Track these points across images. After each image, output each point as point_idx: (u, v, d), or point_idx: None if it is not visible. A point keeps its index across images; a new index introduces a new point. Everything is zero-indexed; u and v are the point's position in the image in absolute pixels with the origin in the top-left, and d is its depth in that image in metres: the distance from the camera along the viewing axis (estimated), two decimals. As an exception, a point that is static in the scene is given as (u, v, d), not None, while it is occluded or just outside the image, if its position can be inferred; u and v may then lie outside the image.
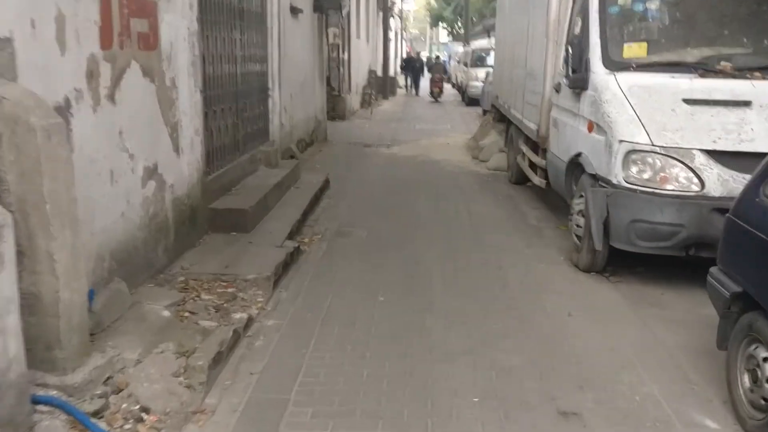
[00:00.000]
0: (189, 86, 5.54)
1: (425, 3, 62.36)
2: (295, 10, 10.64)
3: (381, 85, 25.87)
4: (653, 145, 4.77)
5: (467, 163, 11.20)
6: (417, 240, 6.49)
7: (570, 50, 5.65)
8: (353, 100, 19.38)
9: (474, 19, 38.87)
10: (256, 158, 7.93)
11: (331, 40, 17.40)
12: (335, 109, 17.68)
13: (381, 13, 27.60)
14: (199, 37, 5.84)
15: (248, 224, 6.15)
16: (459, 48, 34.52)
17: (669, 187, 4.75)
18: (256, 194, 6.69)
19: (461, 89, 26.83)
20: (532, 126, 7.35)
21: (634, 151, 4.84)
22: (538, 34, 7.17)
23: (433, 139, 14.29)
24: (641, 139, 4.81)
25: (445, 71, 29.70)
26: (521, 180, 8.98)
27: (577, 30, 5.90)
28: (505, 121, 10.11)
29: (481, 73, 22.01)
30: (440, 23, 54.52)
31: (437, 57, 30.70)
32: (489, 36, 34.40)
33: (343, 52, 17.84)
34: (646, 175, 4.82)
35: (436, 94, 25.48)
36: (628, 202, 4.85)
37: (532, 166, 7.68)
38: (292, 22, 10.52)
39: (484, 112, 19.19)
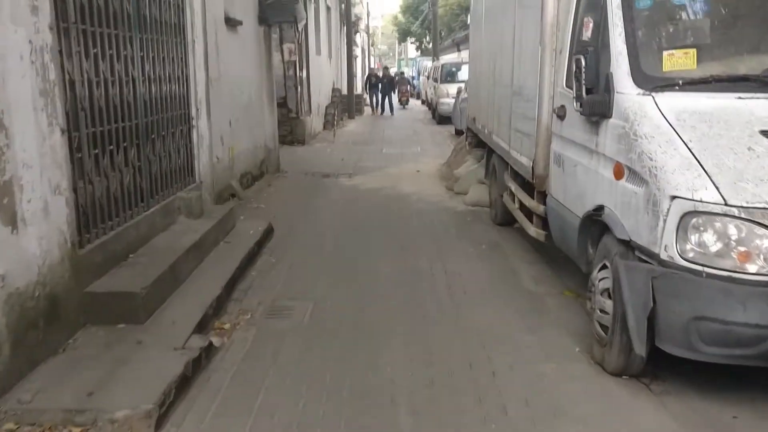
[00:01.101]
0: (37, 126, 3.81)
1: (392, 18, 61.14)
2: (231, 22, 8.96)
3: (346, 104, 24.26)
4: (726, 204, 3.13)
5: (441, 197, 9.54)
6: (377, 322, 4.80)
7: (582, 62, 4.01)
8: (314, 122, 17.71)
9: (443, 33, 37.52)
10: (173, 208, 6.20)
11: (286, 57, 15.79)
12: (293, 132, 16.01)
13: (344, 28, 26.03)
14: (59, 54, 4.12)
15: (141, 312, 4.41)
16: (428, 63, 33.16)
17: (753, 268, 3.12)
18: (160, 264, 4.95)
19: (431, 106, 25.33)
20: (524, 161, 5.73)
21: (696, 212, 3.20)
22: (528, 40, 5.58)
23: (401, 166, 12.65)
24: (707, 194, 3.17)
25: (411, 84, 33.83)
26: (507, 220, 7.37)
27: (588, 34, 4.29)
28: (485, 148, 8.50)
29: (452, 89, 20.54)
30: (408, 38, 53.20)
31: (402, 72, 31.65)
32: (459, 50, 33.28)
33: (301, 69, 16.19)
34: (715, 249, 3.19)
35: (404, 102, 30.38)
36: (688, 289, 3.21)
37: (525, 209, 6.05)
38: (228, 36, 8.83)
39: (457, 131, 17.69)
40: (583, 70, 3.99)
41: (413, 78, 42.51)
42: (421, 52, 48.87)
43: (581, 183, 4.35)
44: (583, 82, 4.02)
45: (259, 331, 4.68)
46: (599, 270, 3.96)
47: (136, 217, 5.34)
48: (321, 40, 20.06)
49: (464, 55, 29.46)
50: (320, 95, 19.36)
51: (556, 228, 5.03)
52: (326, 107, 20.43)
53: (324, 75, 20.75)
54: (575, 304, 5.04)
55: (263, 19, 11.01)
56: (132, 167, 5.36)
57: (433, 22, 32.66)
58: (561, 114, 4.74)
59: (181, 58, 6.65)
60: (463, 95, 16.68)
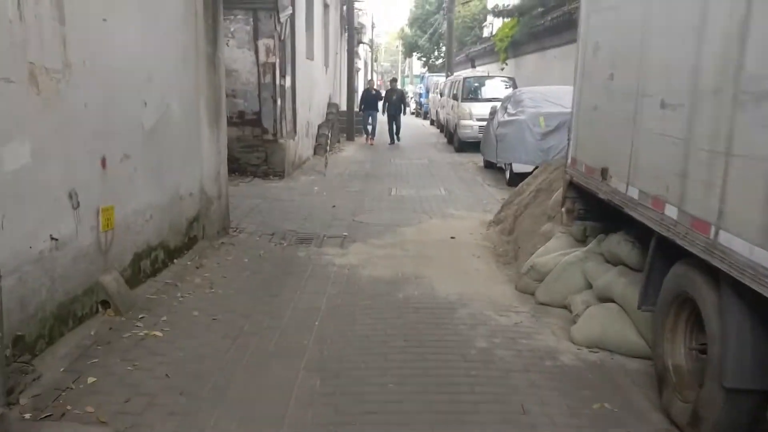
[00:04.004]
0: None
1: (398, 32, 56.88)
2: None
3: (346, 123, 19.80)
4: None
5: (512, 311, 4.97)
6: None
7: None
8: (300, 146, 13.18)
9: (454, 48, 33.08)
10: None
11: (262, 57, 11.37)
12: (268, 161, 11.56)
13: (346, 34, 21.57)
14: None
15: None
16: (439, 78, 28.67)
17: None
18: None
19: (445, 129, 20.83)
20: None
21: None
22: None
23: (424, 224, 8.10)
24: None
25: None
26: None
27: None
28: (640, 229, 4.01)
29: (477, 108, 16.14)
30: (414, 53, 48.80)
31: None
32: (474, 66, 28.80)
33: (283, 76, 11.73)
34: None
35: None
36: None
37: None
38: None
39: (486, 164, 13.22)
40: None
41: (420, 96, 37.99)
42: (429, 68, 44.43)
43: None
44: None
45: None
46: None
47: None
48: (315, 42, 15.58)
49: (480, 70, 25.08)
50: (311, 112, 14.85)
51: None
52: (319, 127, 15.96)
53: (317, 86, 16.24)
54: None
55: (205, -18, 6.52)
56: None
57: (447, 30, 28.28)
58: None
59: None
60: (502, 117, 12.21)
